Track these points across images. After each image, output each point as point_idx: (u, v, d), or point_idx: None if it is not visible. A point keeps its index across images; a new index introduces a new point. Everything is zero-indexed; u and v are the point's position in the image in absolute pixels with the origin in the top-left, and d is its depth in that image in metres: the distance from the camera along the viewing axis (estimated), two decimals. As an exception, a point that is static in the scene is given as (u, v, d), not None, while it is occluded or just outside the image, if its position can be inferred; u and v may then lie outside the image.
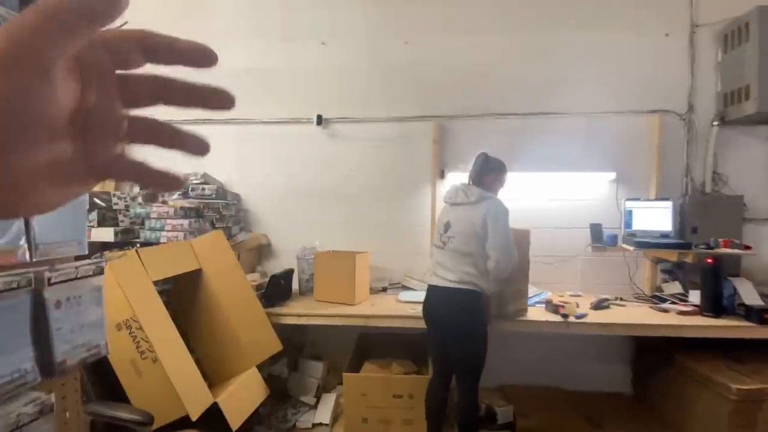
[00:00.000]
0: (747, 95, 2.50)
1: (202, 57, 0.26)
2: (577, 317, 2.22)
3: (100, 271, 0.77)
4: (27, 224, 0.68)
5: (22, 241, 0.66)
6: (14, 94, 0.21)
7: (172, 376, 1.72)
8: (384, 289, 2.84)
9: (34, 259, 0.70)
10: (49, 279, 0.68)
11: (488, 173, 2.07)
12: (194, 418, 1.70)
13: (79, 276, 0.73)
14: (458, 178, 2.69)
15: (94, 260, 0.77)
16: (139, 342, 1.75)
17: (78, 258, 0.81)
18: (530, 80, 2.83)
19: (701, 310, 2.28)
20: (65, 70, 0.22)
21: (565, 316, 2.20)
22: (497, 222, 1.93)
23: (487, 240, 1.93)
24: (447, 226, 2.05)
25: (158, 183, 0.28)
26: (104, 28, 0.22)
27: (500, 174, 2.10)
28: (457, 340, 1.95)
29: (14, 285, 0.63)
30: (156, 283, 1.93)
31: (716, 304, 2.25)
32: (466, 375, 1.97)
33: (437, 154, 2.85)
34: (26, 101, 0.21)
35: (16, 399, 0.63)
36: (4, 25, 0.21)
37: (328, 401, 2.48)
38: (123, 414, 1.63)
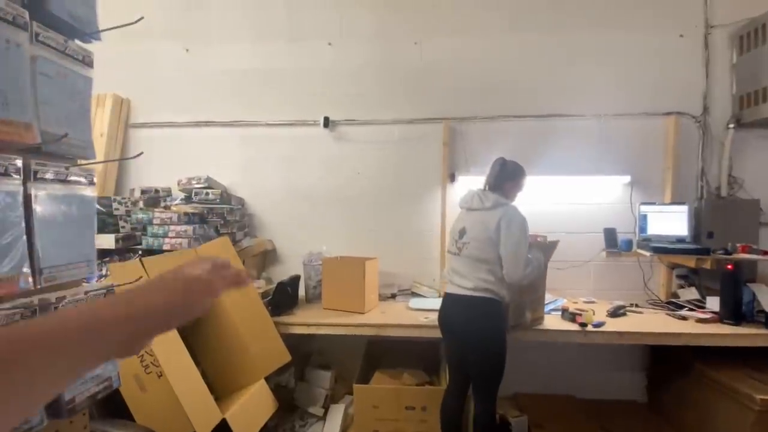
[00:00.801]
0: (764, 97, 2.45)
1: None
2: (595, 326, 2.16)
3: (111, 296, 0.69)
4: (31, 246, 0.60)
5: (26, 268, 0.58)
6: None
7: (179, 391, 1.65)
8: (393, 296, 2.77)
9: (38, 286, 0.62)
10: (55, 309, 0.60)
11: (507, 180, 2.01)
12: (202, 436, 1.62)
13: (88, 303, 0.65)
14: (469, 181, 2.62)
15: (106, 285, 0.69)
16: (143, 356, 1.67)
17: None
18: (542, 81, 2.76)
19: (721, 317, 2.23)
20: None
21: (583, 324, 2.14)
22: (509, 229, 1.87)
23: (500, 246, 1.87)
24: (462, 232, 1.98)
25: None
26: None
27: (519, 179, 2.04)
28: (475, 349, 1.88)
29: (16, 317, 0.56)
30: (160, 293, 1.84)
31: (736, 311, 2.20)
32: (483, 384, 1.90)
33: (447, 157, 2.77)
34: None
35: (20, 448, 0.55)
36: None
37: (337, 413, 2.40)
38: (127, 433, 1.55)
